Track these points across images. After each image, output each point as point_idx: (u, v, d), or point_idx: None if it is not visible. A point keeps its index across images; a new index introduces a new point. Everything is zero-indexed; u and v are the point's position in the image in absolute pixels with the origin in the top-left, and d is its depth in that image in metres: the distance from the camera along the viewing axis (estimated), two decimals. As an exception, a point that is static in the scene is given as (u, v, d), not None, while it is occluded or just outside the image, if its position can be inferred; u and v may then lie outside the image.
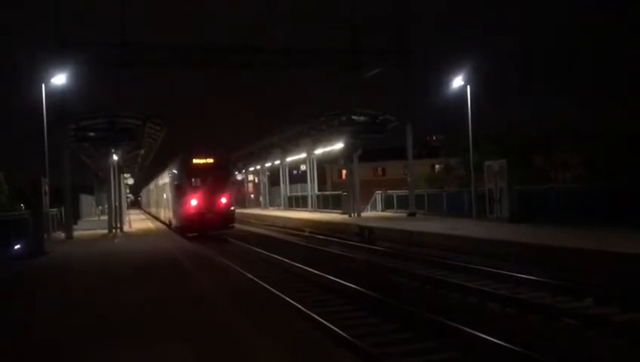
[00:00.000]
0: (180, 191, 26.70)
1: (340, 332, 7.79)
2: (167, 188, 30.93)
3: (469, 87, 23.01)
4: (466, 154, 25.55)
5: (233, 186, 29.19)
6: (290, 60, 27.32)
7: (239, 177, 54.64)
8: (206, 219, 25.28)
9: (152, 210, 45.72)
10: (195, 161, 26.50)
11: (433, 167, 51.74)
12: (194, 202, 25.72)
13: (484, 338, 7.09)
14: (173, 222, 28.53)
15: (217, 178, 26.05)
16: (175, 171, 27.91)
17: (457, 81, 23.05)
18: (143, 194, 65.15)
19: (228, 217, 26.24)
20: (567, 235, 14.24)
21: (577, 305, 9.25)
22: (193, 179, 26.21)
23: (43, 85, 20.79)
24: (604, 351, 7.19)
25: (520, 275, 11.36)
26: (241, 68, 28.01)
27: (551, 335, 7.92)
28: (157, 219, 39.85)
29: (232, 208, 27.05)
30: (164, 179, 33.15)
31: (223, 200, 26.13)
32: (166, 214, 32.43)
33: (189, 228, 25.70)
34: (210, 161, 26.61)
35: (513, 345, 6.70)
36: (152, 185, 46.00)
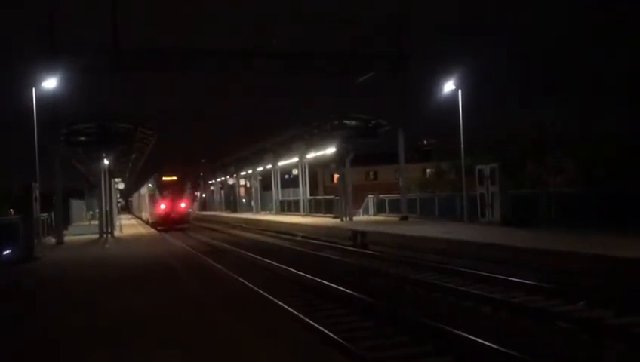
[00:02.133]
0: (153, 198, 39.26)
1: (335, 336, 7.77)
2: (146, 196, 43.94)
3: (460, 91, 23.11)
4: (458, 158, 25.65)
5: (190, 196, 42.89)
6: (289, 64, 27.33)
7: (230, 181, 55.61)
8: (170, 218, 36.79)
9: (137, 213, 56.91)
10: (164, 178, 38.85)
11: (425, 171, 51.79)
12: (162, 206, 37.58)
13: (478, 342, 7.08)
14: (150, 219, 40.41)
15: (178, 190, 38.68)
16: (151, 185, 41.08)
17: (449, 86, 23.15)
18: (134, 199, 69.93)
19: (185, 217, 38.72)
20: (559, 239, 14.29)
21: (572, 308, 9.29)
22: (162, 191, 38.06)
23: (34, 89, 20.67)
24: (598, 352, 7.22)
25: (510, 278, 11.38)
26: (239, 71, 28.00)
27: (545, 337, 7.93)
28: (140, 218, 50.35)
29: (189, 210, 40.34)
30: (145, 189, 46.45)
31: (182, 205, 38.62)
32: (146, 215, 44.80)
33: (159, 223, 36.20)
34: (174, 178, 39.17)
35: (506, 348, 6.70)
36: (138, 193, 58.05)
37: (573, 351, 7.28)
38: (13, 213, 35.62)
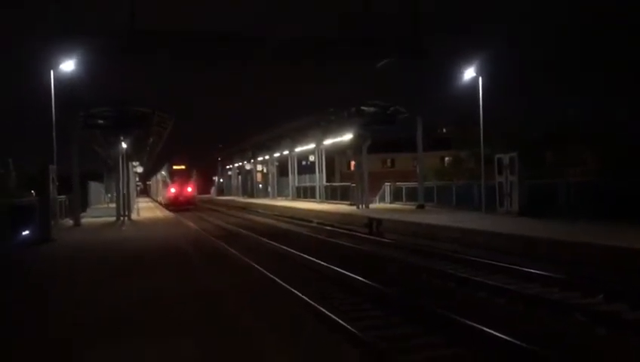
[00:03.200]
0: (165, 183, 49.49)
1: (346, 324, 7.67)
2: (160, 182, 54.95)
3: (480, 78, 22.72)
4: (477, 147, 25.31)
5: (196, 182, 50.47)
6: (302, 50, 27.01)
7: (247, 167, 56.21)
8: (179, 200, 44.59)
9: (155, 196, 65.13)
10: (174, 167, 47.61)
11: (442, 159, 51.33)
12: (173, 190, 46.00)
13: (489, 333, 6.94)
14: (162, 201, 50.48)
15: (186, 177, 47.09)
16: (163, 172, 51.60)
17: (469, 73, 22.76)
18: (152, 183, 76.01)
19: (191, 199, 46.48)
20: (579, 230, 14.03)
21: (590, 301, 9.10)
22: (173, 178, 46.99)
23: (52, 71, 20.71)
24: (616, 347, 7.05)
25: (526, 269, 11.18)
26: (252, 57, 27.74)
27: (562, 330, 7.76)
28: (155, 201, 58.48)
29: (194, 194, 48.14)
30: (159, 176, 57.22)
31: (189, 189, 46.66)
32: (159, 197, 55.24)
33: (170, 204, 43.58)
34: (183, 167, 47.68)
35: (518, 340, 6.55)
36: (155, 178, 67.76)
37: (589, 344, 7.11)
38: (34, 194, 36.02)
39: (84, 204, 29.81)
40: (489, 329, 7.03)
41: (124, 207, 26.31)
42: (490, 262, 12.47)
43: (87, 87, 23.77)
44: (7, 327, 6.70)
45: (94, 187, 42.87)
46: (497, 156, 21.32)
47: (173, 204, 42.96)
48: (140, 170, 49.08)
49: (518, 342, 6.51)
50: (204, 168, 73.94)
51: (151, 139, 34.28)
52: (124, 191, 26.91)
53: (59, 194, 21.37)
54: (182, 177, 46.86)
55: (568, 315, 8.31)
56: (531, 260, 12.11)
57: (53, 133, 20.66)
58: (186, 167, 48.06)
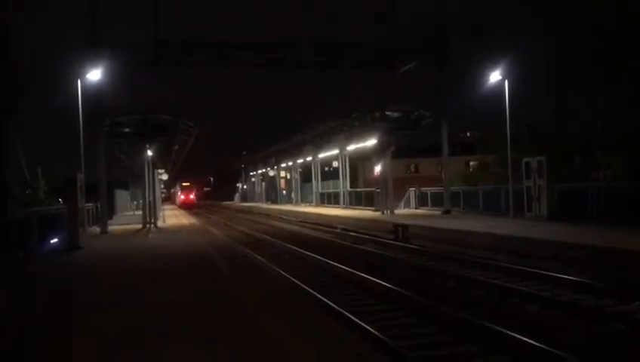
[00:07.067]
0: (178, 193, 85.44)
1: (374, 331, 7.54)
2: (176, 191, 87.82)
3: (506, 82, 22.41)
4: (503, 150, 24.96)
5: (197, 191, 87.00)
6: (326, 57, 27.11)
7: (271, 173, 56.49)
8: (186, 203, 74.84)
9: (176, 202, 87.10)
10: (183, 183, 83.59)
11: (468, 164, 50.90)
12: (182, 197, 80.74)
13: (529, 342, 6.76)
14: (177, 204, 79.75)
15: (190, 188, 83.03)
16: (178, 186, 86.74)
17: (495, 76, 22.46)
18: (176, 191, 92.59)
19: (194, 203, 77.79)
20: (612, 235, 13.70)
21: (627, 308, 8.84)
22: (182, 190, 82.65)
23: (79, 81, 20.99)
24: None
25: (558, 275, 10.92)
26: (275, 65, 27.92)
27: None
28: (173, 203, 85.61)
29: (195, 200, 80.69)
30: (175, 188, 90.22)
31: (191, 196, 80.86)
32: (175, 201, 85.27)
33: (181, 206, 71.64)
34: (188, 183, 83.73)
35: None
36: (174, 189, 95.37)
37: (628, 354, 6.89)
38: (62, 202, 36.56)
39: (110, 212, 30.11)
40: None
41: (150, 214, 26.50)
42: (520, 268, 12.23)
43: (113, 96, 24.08)
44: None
45: (120, 195, 43.37)
46: (525, 160, 21.00)
47: (183, 206, 71.29)
48: (165, 177, 49.39)
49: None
50: (223, 176, 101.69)
51: (176, 147, 34.52)
52: (150, 199, 27.11)
53: (86, 202, 21.60)
54: (188, 189, 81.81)
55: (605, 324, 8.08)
56: (565, 266, 11.84)
57: (81, 142, 20.91)
58: (190, 183, 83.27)
